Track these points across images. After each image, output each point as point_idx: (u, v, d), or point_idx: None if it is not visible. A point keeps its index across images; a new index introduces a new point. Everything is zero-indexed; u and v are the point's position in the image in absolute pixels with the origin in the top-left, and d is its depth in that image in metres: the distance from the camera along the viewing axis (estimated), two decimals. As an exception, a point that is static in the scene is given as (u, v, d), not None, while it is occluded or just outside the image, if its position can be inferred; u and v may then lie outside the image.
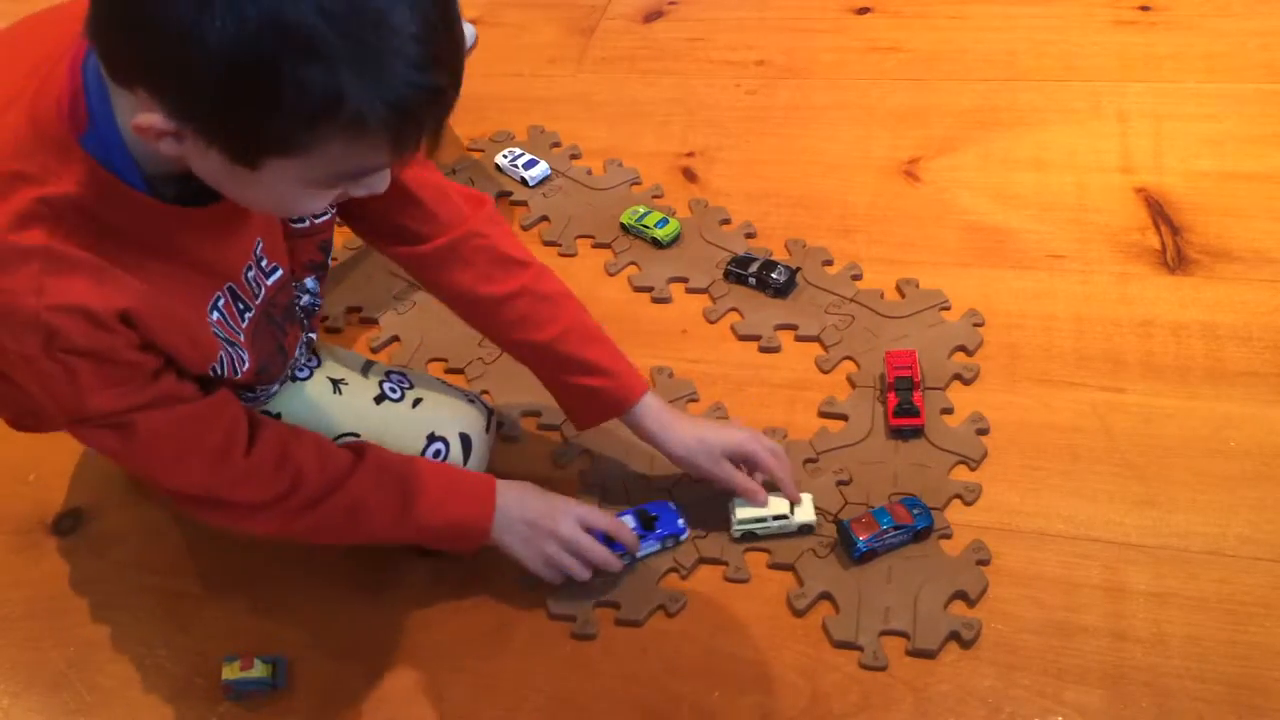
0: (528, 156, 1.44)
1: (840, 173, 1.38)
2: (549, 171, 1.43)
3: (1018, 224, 1.27)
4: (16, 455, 1.18)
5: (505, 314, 1.01)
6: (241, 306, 0.89)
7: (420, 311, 1.27)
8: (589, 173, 1.43)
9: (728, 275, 1.25)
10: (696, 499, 1.03)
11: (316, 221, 0.97)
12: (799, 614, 0.95)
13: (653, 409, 1.02)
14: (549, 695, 0.93)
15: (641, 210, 1.33)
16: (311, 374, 1.04)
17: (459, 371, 1.19)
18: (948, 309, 1.18)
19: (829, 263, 1.25)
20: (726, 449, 1.01)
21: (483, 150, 1.48)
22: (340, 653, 0.97)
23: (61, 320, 0.73)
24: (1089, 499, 1.00)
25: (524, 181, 1.42)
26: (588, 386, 1.01)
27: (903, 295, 1.20)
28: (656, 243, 1.30)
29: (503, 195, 1.41)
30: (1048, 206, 1.28)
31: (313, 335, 1.05)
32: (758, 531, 0.99)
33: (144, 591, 1.04)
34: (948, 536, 0.98)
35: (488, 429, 1.05)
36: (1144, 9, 1.54)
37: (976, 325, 1.16)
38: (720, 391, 1.14)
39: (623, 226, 1.33)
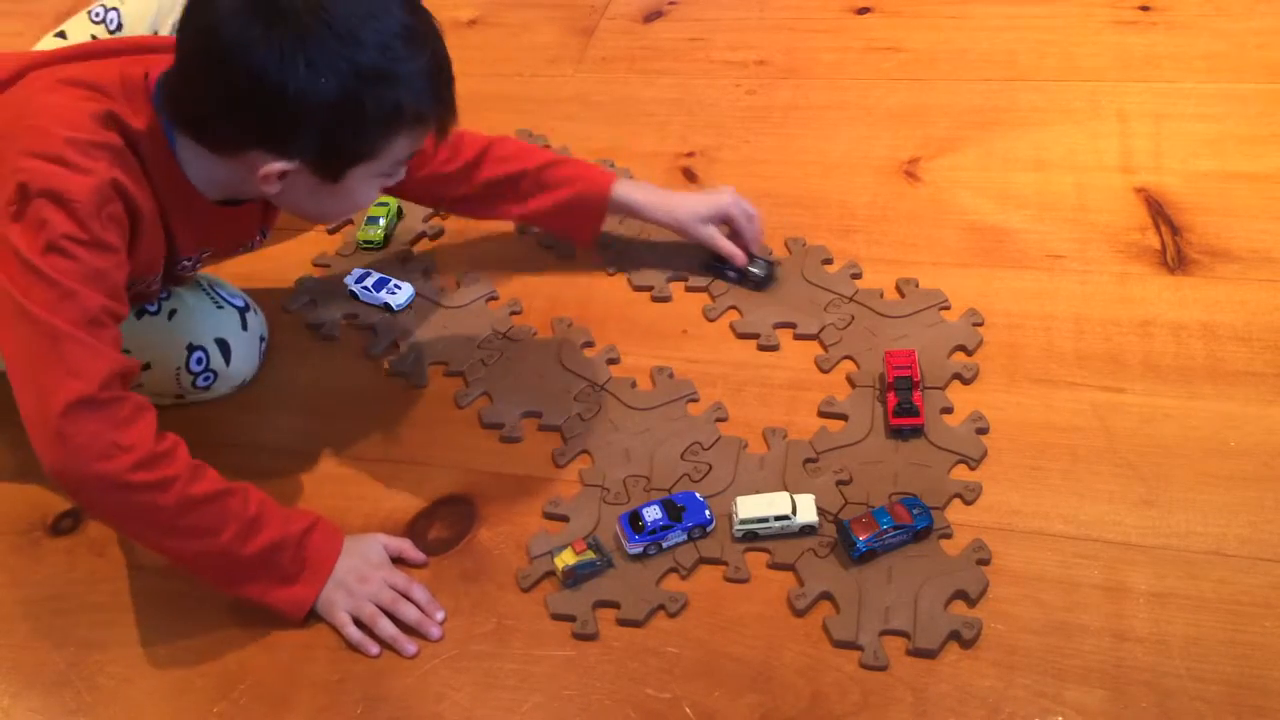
0: (376, 276, 1.28)
1: (840, 173, 1.38)
2: (414, 295, 1.27)
3: (1018, 224, 1.27)
4: (17, 455, 1.19)
5: (505, 183, 1.20)
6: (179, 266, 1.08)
7: (417, 317, 1.27)
8: (589, 173, 1.43)
9: (709, 269, 1.25)
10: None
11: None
12: (799, 614, 0.95)
13: (630, 190, 1.22)
14: (549, 695, 0.93)
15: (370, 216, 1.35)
16: None
17: (459, 374, 1.19)
18: (947, 309, 1.18)
19: (828, 262, 1.25)
20: (710, 212, 1.21)
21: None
22: (340, 653, 0.97)
23: (115, 194, 0.91)
24: (1089, 499, 1.00)
25: (387, 307, 1.26)
26: (565, 198, 1.20)
27: (902, 295, 1.20)
28: (370, 245, 1.33)
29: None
30: (1048, 206, 1.28)
31: None
32: (759, 532, 0.99)
33: (144, 591, 1.04)
34: (948, 536, 0.98)
35: (244, 326, 1.15)
36: (1144, 9, 1.54)
37: (976, 325, 1.16)
38: (720, 391, 1.14)
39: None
